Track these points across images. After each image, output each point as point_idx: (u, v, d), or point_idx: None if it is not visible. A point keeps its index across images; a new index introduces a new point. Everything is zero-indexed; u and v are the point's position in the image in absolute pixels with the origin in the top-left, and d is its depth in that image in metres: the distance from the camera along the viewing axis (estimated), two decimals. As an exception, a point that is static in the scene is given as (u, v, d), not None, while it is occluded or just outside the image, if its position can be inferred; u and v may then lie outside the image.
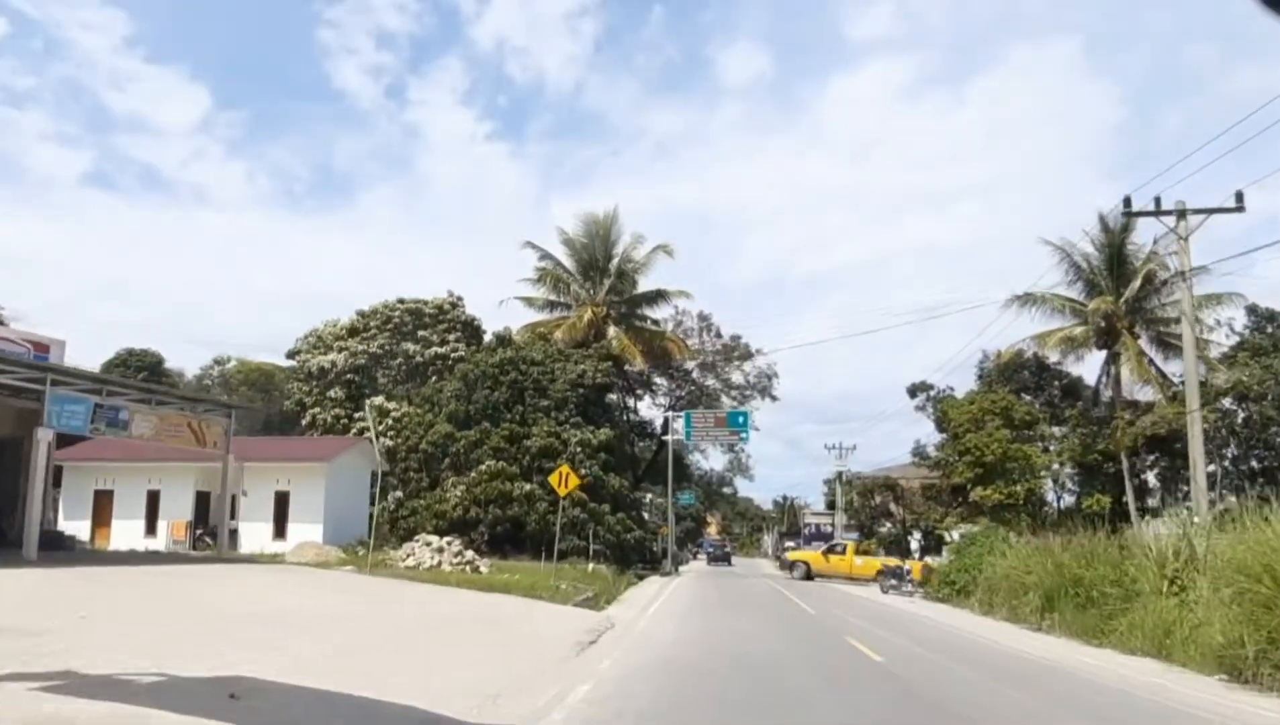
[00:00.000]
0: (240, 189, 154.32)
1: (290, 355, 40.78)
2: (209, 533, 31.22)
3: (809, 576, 39.49)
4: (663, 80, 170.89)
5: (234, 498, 30.22)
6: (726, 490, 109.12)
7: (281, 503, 33.40)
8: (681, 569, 56.45)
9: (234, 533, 30.93)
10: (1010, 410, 41.09)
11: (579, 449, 33.69)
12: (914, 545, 45.70)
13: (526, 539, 33.03)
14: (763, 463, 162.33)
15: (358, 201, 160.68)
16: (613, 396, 39.69)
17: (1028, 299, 39.93)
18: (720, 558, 66.32)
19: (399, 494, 34.27)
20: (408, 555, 25.63)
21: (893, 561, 35.44)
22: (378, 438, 37.11)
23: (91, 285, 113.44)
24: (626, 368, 42.86)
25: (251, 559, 27.46)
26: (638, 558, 39.22)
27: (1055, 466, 41.75)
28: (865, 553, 40.23)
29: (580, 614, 17.92)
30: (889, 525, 46.37)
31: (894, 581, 30.55)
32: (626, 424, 46.53)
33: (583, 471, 32.45)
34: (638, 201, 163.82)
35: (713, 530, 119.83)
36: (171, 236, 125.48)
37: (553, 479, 25.08)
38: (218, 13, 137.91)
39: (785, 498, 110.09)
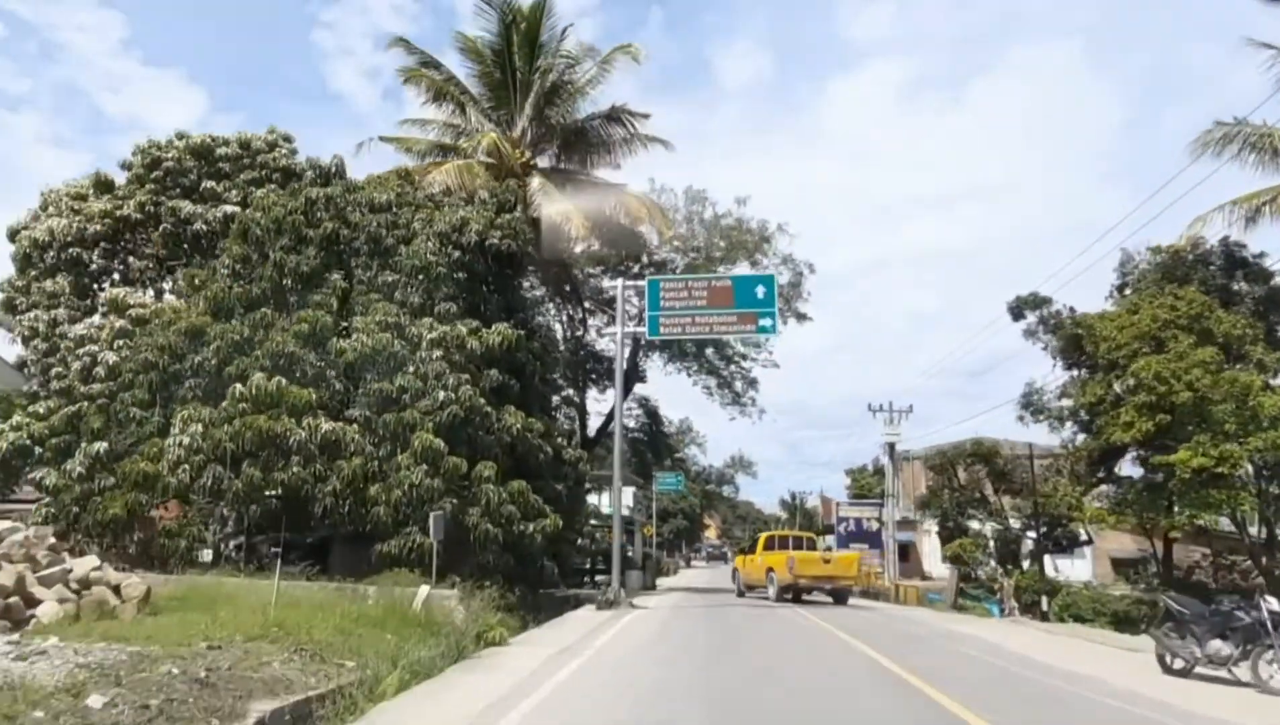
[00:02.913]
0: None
1: (11, 235, 24.48)
2: None
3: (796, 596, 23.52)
4: (662, 80, 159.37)
5: None
6: (727, 491, 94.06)
7: None
8: (662, 584, 39.62)
9: None
10: (1205, 320, 24.51)
11: (444, 355, 17.20)
12: (1027, 546, 28.99)
13: (334, 531, 16.73)
14: (761, 466, 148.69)
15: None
16: (535, 292, 23.13)
17: (1230, 137, 23.69)
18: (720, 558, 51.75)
19: (101, 447, 17.72)
20: None
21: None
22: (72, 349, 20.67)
23: None
24: (569, 264, 26.22)
25: None
26: (561, 573, 22.88)
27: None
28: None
29: None
30: (980, 517, 29.68)
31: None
32: (568, 351, 29.91)
33: (448, 397, 16.20)
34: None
35: (711, 533, 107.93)
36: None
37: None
38: (215, 15, 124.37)
39: (793, 495, 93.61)
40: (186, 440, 15.95)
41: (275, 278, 18.66)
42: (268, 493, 15.97)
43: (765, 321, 19.04)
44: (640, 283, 19.93)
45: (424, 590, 12.99)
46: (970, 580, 27.44)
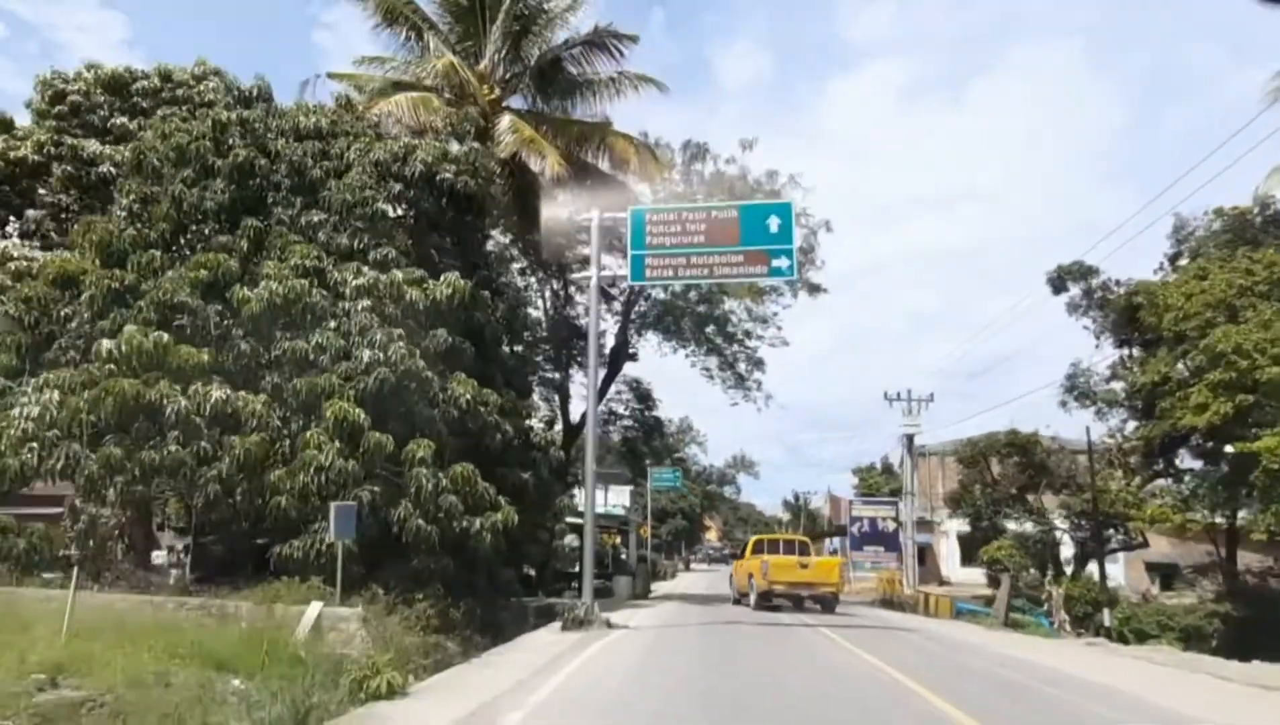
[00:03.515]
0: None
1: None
2: None
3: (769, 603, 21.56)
4: (664, 79, 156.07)
5: None
6: (728, 492, 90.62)
7: None
8: (657, 589, 36.09)
9: None
10: (1289, 285, 21.01)
11: (373, 307, 13.66)
12: (1066, 551, 25.39)
13: (238, 532, 13.27)
14: (762, 467, 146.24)
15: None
16: (500, 242, 19.58)
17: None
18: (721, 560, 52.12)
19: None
20: None
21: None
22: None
23: None
24: (553, 231, 22.60)
25: None
26: (540, 579, 19.62)
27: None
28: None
29: None
30: (1018, 516, 26.03)
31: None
32: (549, 328, 26.39)
33: (374, 357, 12.69)
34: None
35: (712, 535, 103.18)
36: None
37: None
38: (216, 15, 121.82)
39: (797, 496, 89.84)
40: (36, 411, 12.38)
41: (174, 216, 15.11)
42: (144, 479, 12.40)
43: (780, 262, 14.91)
44: (621, 215, 16.25)
45: (314, 609, 9.45)
46: (994, 581, 23.85)
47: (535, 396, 24.34)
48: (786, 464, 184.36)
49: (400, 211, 16.13)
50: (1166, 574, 36.48)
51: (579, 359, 27.82)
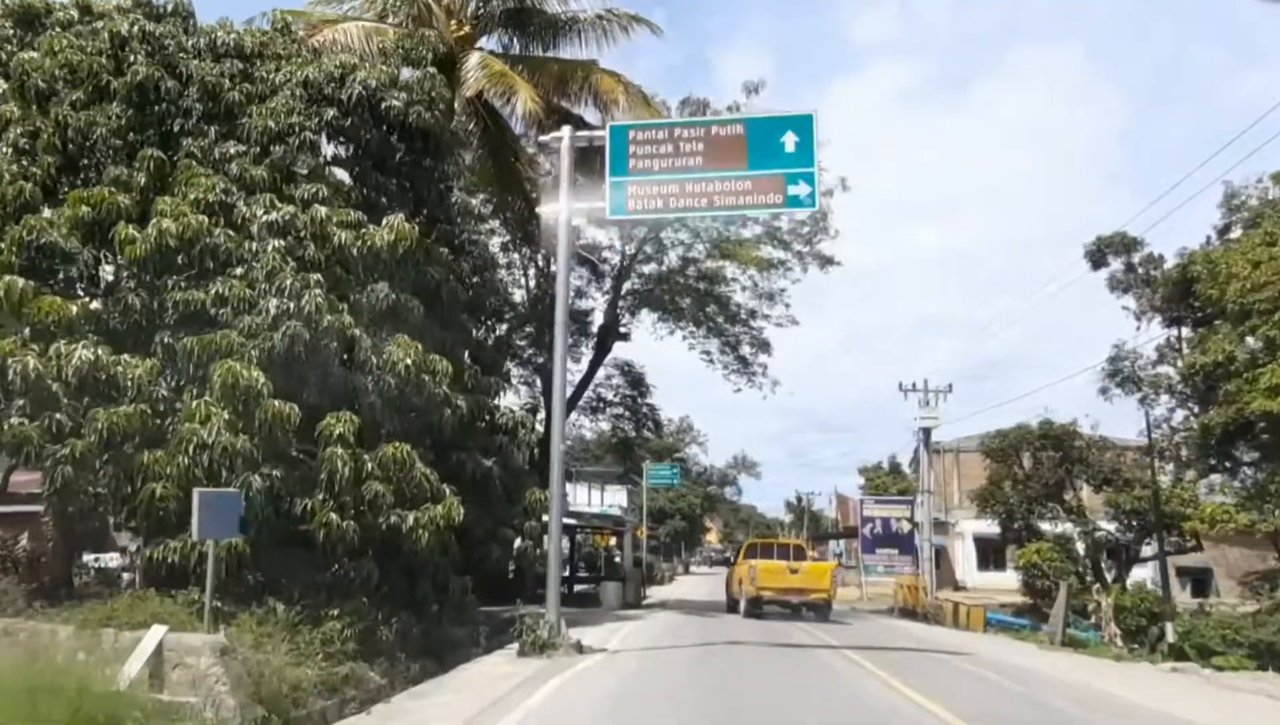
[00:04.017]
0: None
1: None
2: None
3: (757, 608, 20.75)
4: (669, 81, 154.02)
5: None
6: (729, 493, 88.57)
7: None
8: (654, 595, 33.44)
9: None
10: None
11: (288, 249, 10.97)
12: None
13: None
14: (763, 468, 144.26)
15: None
16: (467, 200, 16.86)
17: None
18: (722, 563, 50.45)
19: None
20: None
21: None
22: None
23: None
24: (530, 198, 19.89)
25: None
26: (519, 583, 17.14)
27: None
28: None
29: None
30: (1053, 514, 23.25)
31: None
32: (528, 304, 23.74)
33: (283, 308, 9.95)
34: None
35: (713, 538, 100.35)
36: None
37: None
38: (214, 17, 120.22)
39: (800, 497, 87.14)
40: None
41: (59, 147, 12.45)
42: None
43: (798, 189, 11.74)
44: (598, 132, 13.42)
45: (152, 636, 6.76)
46: (1044, 596, 21.15)
47: (515, 381, 21.71)
48: (787, 466, 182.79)
49: (337, 147, 13.48)
50: (1199, 580, 33.75)
51: (569, 341, 25.17)
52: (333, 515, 9.46)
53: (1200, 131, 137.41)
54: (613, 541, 42.51)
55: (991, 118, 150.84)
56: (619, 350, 25.59)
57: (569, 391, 23.48)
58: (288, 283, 10.33)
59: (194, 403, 9.60)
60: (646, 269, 24.19)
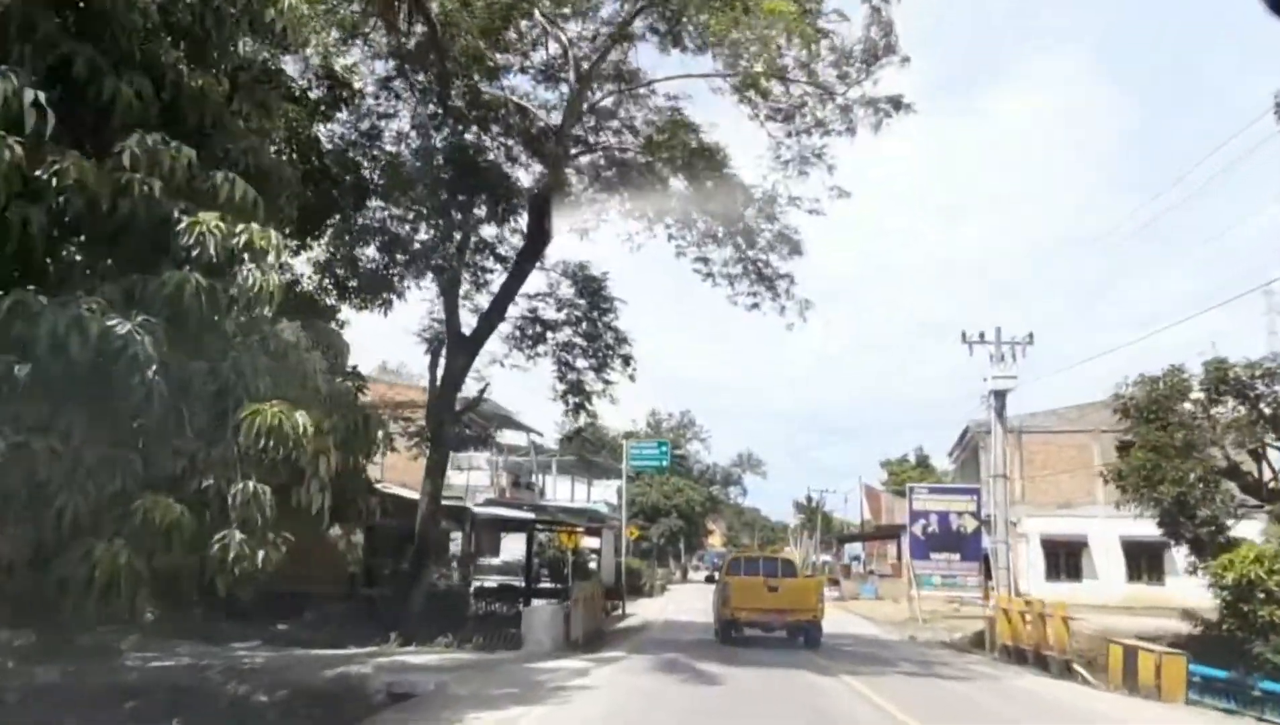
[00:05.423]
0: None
1: None
2: None
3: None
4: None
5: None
6: (734, 493, 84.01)
7: None
8: (635, 614, 25.51)
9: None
10: None
11: None
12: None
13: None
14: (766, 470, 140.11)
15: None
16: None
17: None
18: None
19: None
20: None
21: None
22: None
23: None
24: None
25: None
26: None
27: None
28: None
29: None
30: (1235, 505, 15.37)
31: None
32: (418, 160, 15.69)
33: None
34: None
35: (715, 541, 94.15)
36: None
37: None
38: None
39: (810, 497, 79.49)
40: None
41: None
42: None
43: None
44: None
45: None
46: (1246, 621, 13.22)
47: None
48: (790, 468, 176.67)
49: None
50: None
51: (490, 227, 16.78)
52: None
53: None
54: (595, 543, 33.96)
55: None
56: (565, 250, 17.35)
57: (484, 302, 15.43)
58: None
59: None
60: (613, 126, 16.08)
